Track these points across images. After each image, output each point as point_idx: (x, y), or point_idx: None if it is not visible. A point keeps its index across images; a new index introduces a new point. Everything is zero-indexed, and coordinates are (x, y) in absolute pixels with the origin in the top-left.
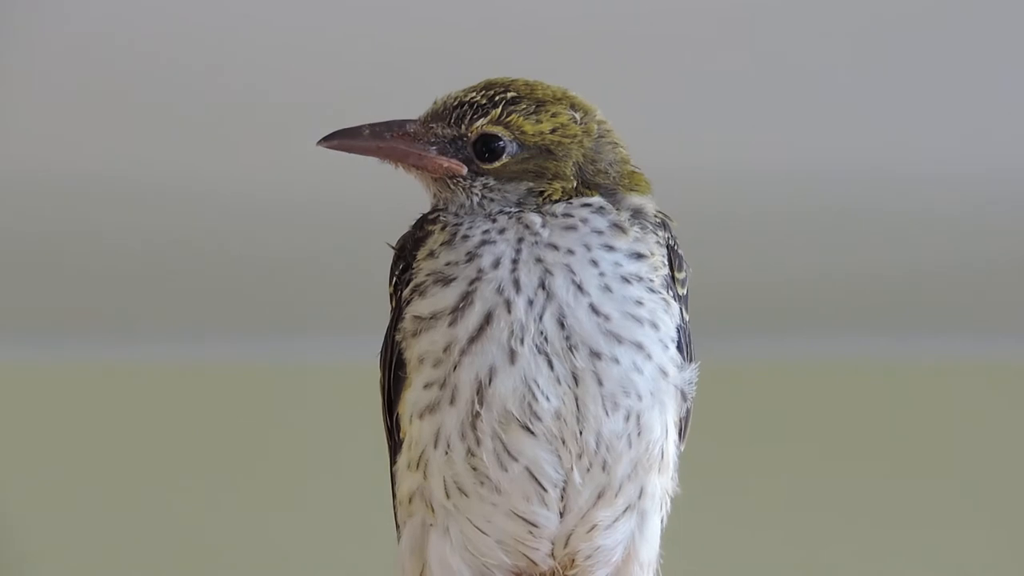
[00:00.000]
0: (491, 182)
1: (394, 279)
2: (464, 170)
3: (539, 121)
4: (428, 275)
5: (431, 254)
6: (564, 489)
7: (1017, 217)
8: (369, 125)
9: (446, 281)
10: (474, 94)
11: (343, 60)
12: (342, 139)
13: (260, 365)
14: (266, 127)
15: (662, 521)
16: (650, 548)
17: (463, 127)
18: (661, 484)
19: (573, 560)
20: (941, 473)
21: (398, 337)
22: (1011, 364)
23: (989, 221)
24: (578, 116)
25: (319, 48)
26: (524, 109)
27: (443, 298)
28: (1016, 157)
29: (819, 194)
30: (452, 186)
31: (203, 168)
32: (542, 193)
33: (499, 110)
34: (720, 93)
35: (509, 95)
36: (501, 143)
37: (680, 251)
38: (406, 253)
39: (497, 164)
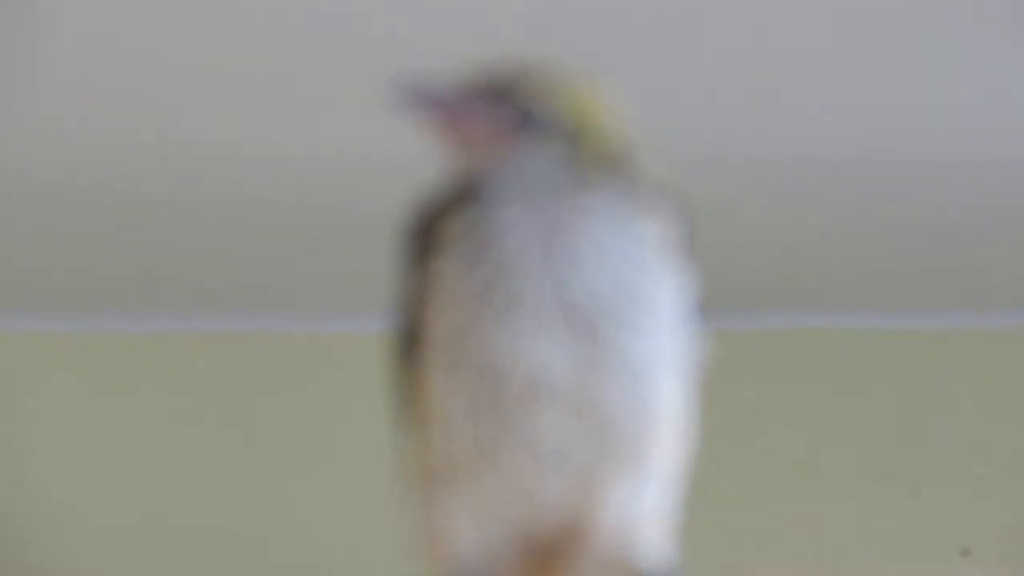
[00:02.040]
0: (528, 153)
1: (412, 248)
2: (508, 139)
3: (573, 97)
4: (447, 246)
5: (451, 224)
6: (572, 458)
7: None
8: (423, 89)
9: (463, 254)
10: (517, 70)
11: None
12: (410, 100)
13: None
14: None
15: (673, 487)
16: (659, 512)
17: (513, 94)
18: (669, 451)
19: (585, 523)
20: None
21: (412, 311)
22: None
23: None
24: (598, 102)
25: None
26: (561, 87)
27: (461, 270)
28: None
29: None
30: (491, 150)
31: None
32: (569, 168)
33: (541, 84)
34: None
35: (547, 74)
36: (538, 113)
37: (689, 221)
38: (424, 223)
39: (536, 137)
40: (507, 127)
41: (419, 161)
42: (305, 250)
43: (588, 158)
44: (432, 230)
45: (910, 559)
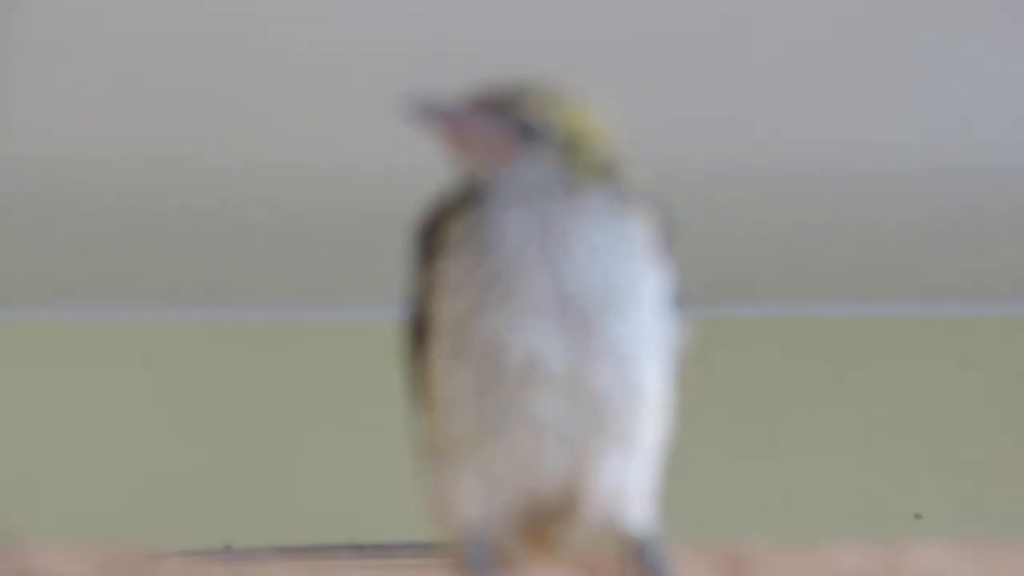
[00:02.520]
0: (528, 162)
1: (420, 248)
2: (510, 148)
3: (574, 115)
4: (453, 243)
5: (457, 224)
6: (566, 433)
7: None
8: (434, 104)
9: (469, 250)
10: (520, 87)
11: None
12: (422, 112)
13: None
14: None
15: (655, 459)
16: (644, 481)
17: (515, 109)
18: (652, 426)
19: (578, 493)
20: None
21: (423, 303)
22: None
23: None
24: (594, 118)
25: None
26: (563, 104)
27: (465, 266)
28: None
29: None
30: (495, 160)
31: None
32: (568, 176)
33: (541, 101)
34: None
35: (548, 90)
36: (539, 126)
37: (669, 222)
38: (430, 225)
39: (536, 145)
40: (508, 138)
41: (423, 168)
42: (330, 250)
43: (580, 166)
44: (439, 230)
45: (869, 521)
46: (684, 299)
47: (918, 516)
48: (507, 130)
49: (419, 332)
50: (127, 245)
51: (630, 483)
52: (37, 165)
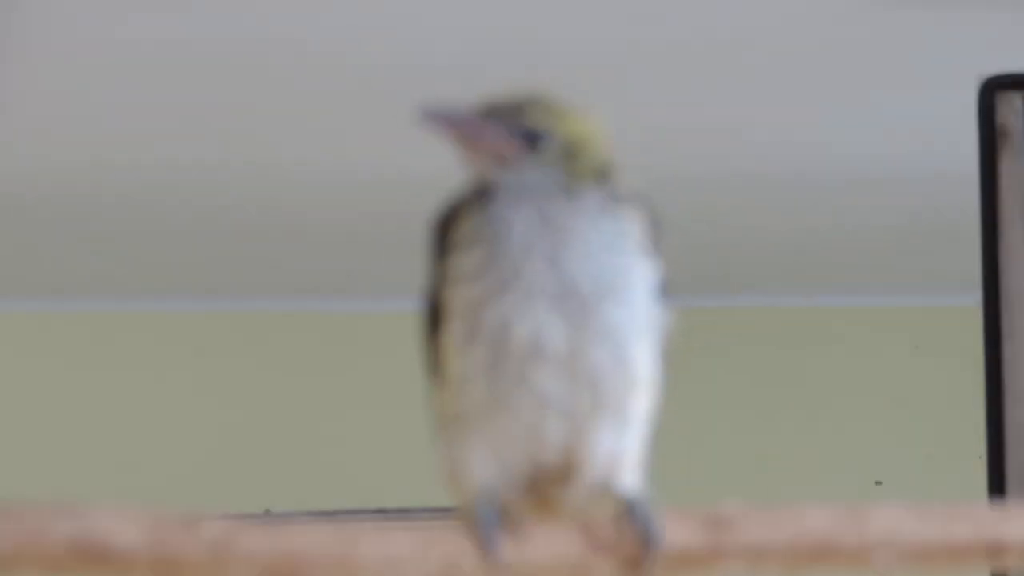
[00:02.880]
0: (531, 166)
1: (434, 242)
2: (514, 153)
3: (574, 124)
4: (464, 240)
5: (466, 223)
6: (567, 407)
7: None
8: (449, 112)
9: (478, 244)
10: (525, 98)
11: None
12: (436, 119)
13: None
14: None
15: (645, 430)
16: (635, 451)
17: (519, 118)
18: (642, 403)
19: (575, 460)
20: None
21: (437, 292)
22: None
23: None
24: (596, 127)
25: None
26: (565, 115)
27: (475, 258)
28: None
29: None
30: (500, 165)
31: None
32: (569, 179)
33: (545, 111)
34: None
35: (551, 101)
36: (544, 136)
37: (657, 220)
38: (445, 221)
39: (539, 151)
40: (514, 144)
41: (435, 171)
42: (362, 249)
43: (577, 170)
44: (451, 227)
45: (833, 487)
46: (669, 288)
47: (878, 483)
48: (512, 136)
49: (435, 317)
50: (183, 245)
51: (623, 451)
52: (72, 168)
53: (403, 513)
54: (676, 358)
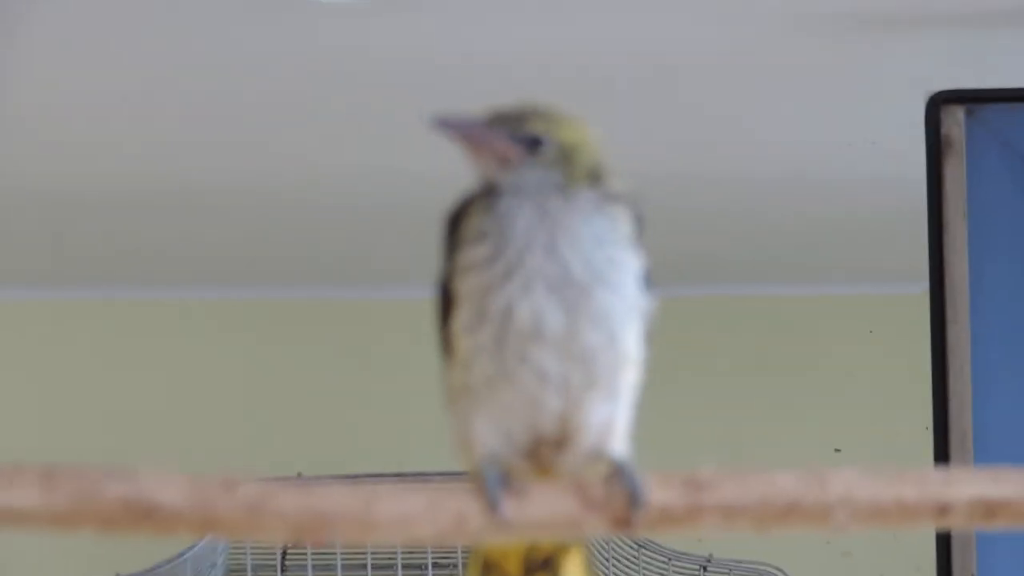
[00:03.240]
0: (531, 168)
1: (446, 235)
2: (517, 156)
3: (570, 131)
4: (472, 234)
5: (474, 219)
6: (563, 382)
7: None
8: (460, 119)
9: (484, 238)
10: (528, 108)
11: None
12: (448, 126)
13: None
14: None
15: (632, 402)
16: (623, 421)
17: (521, 126)
18: (629, 377)
19: (570, 429)
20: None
21: (449, 280)
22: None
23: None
24: (589, 134)
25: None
26: (563, 122)
27: (481, 251)
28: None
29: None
30: (503, 166)
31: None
32: (566, 180)
33: (546, 120)
34: None
35: (551, 111)
36: (544, 140)
37: (641, 217)
38: (455, 217)
39: (539, 155)
40: (516, 148)
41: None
42: (379, 238)
43: (573, 172)
44: (461, 222)
45: (796, 454)
46: (653, 277)
47: (837, 450)
48: (515, 141)
49: (446, 303)
50: (248, 241)
51: (613, 421)
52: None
53: (418, 477)
54: (659, 340)
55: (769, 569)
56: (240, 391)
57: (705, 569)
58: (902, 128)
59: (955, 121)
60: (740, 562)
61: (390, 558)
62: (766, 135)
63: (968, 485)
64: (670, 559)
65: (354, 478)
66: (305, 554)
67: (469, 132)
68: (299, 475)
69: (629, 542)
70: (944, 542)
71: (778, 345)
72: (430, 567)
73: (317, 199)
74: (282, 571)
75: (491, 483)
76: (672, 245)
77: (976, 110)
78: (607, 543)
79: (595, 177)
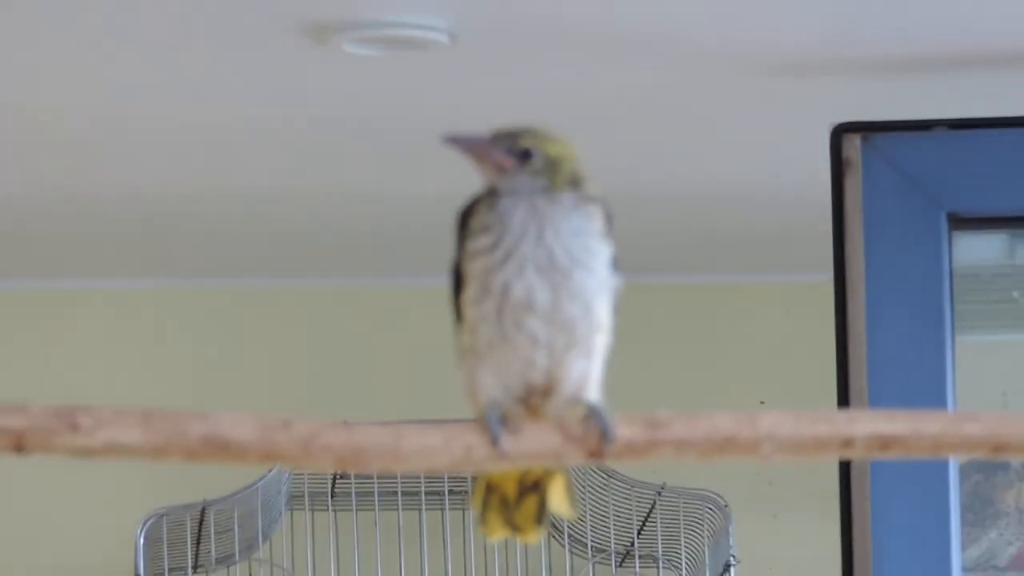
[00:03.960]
0: (524, 175)
1: (458, 228)
2: (512, 166)
3: (555, 147)
4: (478, 227)
5: (480, 215)
6: (549, 344)
7: None
8: (467, 136)
9: (487, 231)
10: (521, 127)
11: None
12: (457, 141)
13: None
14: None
15: (603, 360)
16: (596, 374)
17: (515, 142)
18: (601, 340)
19: (554, 381)
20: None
21: (460, 263)
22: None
23: None
24: (572, 149)
25: None
26: (549, 140)
27: (485, 241)
28: None
29: None
30: (501, 174)
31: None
32: (552, 185)
33: (535, 136)
34: None
35: (540, 130)
36: (534, 153)
37: (611, 214)
38: (465, 213)
39: (529, 165)
40: (512, 160)
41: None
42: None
43: (557, 179)
44: (470, 217)
45: (732, 405)
46: (620, 265)
47: (762, 402)
48: (511, 154)
49: (458, 281)
50: (288, 237)
51: (588, 374)
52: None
53: (436, 421)
54: (625, 315)
55: (710, 494)
56: (299, 361)
57: (660, 494)
58: (815, 152)
59: (853, 146)
60: (687, 488)
61: (415, 485)
62: (707, 162)
63: (867, 423)
64: (632, 487)
65: (387, 423)
66: (350, 483)
67: (474, 147)
68: (345, 422)
69: (600, 472)
70: (846, 470)
71: (715, 323)
72: (446, 493)
73: (350, 216)
74: (332, 497)
75: (493, 423)
76: (633, 242)
77: (869, 137)
78: (582, 473)
79: (574, 183)
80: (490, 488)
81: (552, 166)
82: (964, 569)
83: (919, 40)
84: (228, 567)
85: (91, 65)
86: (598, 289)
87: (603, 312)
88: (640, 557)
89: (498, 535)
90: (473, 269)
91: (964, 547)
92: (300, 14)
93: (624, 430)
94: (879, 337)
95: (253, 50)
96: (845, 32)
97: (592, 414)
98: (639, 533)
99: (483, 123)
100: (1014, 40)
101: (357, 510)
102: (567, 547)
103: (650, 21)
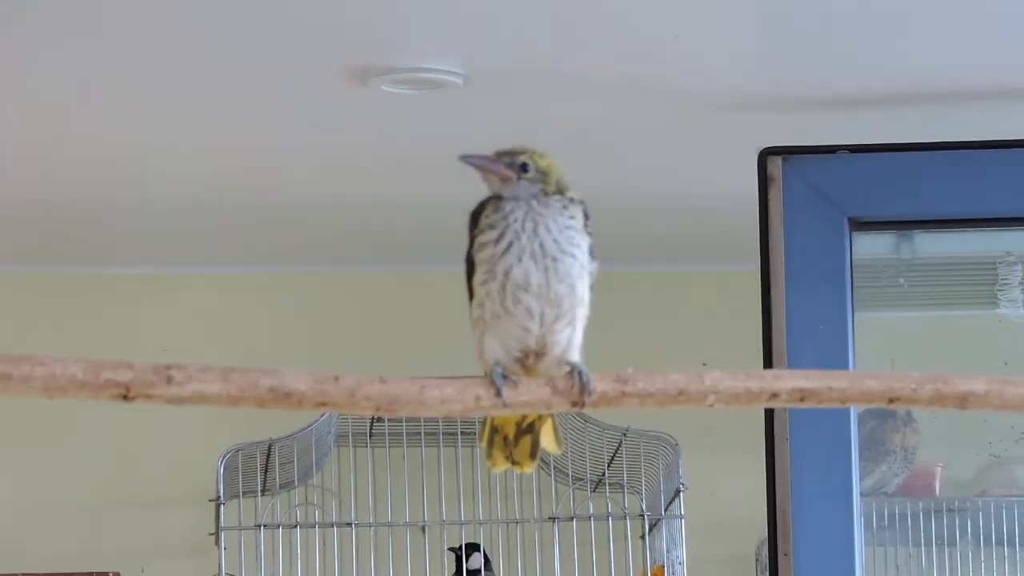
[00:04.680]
0: (522, 184)
1: (470, 225)
2: (513, 177)
3: (544, 160)
4: (486, 224)
5: (487, 215)
6: (541, 316)
7: None
8: (478, 155)
9: (493, 227)
10: (519, 147)
11: None
12: (471, 159)
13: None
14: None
15: (583, 328)
16: (578, 340)
17: (515, 158)
18: (581, 313)
19: (545, 345)
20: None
21: (472, 252)
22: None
23: None
24: (556, 163)
25: None
26: (539, 156)
27: (491, 235)
28: None
29: None
30: (505, 184)
31: None
32: (543, 191)
33: (530, 154)
34: None
35: (533, 149)
36: (530, 166)
37: (589, 214)
38: (476, 213)
39: (526, 176)
40: (512, 172)
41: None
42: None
43: (548, 186)
44: (480, 216)
45: (682, 367)
46: (596, 253)
47: (704, 364)
48: (511, 167)
49: (470, 267)
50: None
51: (571, 340)
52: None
53: (452, 377)
54: (599, 294)
55: (664, 435)
56: (346, 330)
57: (625, 435)
58: (745, 170)
59: (775, 165)
60: (647, 431)
61: (435, 427)
62: (664, 177)
63: (789, 380)
64: (603, 430)
65: (414, 378)
66: (384, 425)
67: (483, 163)
68: (381, 377)
69: (578, 418)
70: (770, 417)
71: (673, 299)
72: (459, 434)
73: (389, 219)
74: (370, 436)
75: (497, 379)
76: (607, 238)
77: (788, 158)
78: (565, 418)
79: (561, 189)
80: (494, 430)
81: (544, 175)
82: (861, 494)
83: (828, 82)
84: (289, 491)
85: (177, 108)
86: (580, 272)
87: (584, 290)
88: (609, 484)
89: (500, 467)
90: (482, 257)
91: (861, 478)
92: (346, 61)
93: (599, 385)
94: (796, 314)
95: (309, 91)
96: (770, 75)
97: (575, 372)
98: (609, 465)
99: (489, 146)
100: (900, 82)
101: (389, 447)
102: (553, 476)
103: (617, 68)
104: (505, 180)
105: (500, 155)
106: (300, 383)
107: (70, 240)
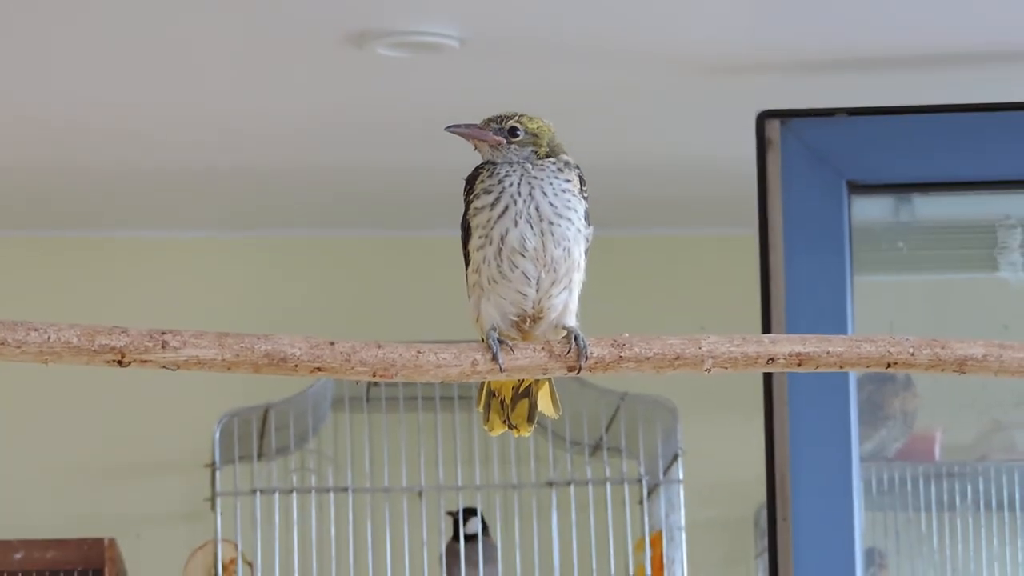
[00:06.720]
0: (513, 148)
1: (465, 190)
2: (503, 142)
3: (534, 123)
4: (481, 189)
5: (482, 180)
6: (538, 280)
7: None
8: (465, 124)
9: (488, 192)
10: (508, 113)
11: None
12: (457, 129)
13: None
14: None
15: (579, 292)
16: (574, 304)
17: (504, 123)
18: (578, 277)
19: (542, 309)
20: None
21: (468, 216)
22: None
23: None
24: (547, 124)
25: None
26: (528, 118)
27: (487, 199)
28: None
29: None
30: (495, 149)
31: None
32: (535, 154)
33: (518, 117)
34: None
35: (522, 113)
36: (519, 130)
37: (584, 177)
38: (471, 179)
39: (516, 139)
40: (503, 136)
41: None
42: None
43: (539, 150)
44: (474, 181)
45: (677, 331)
46: (592, 218)
47: (702, 328)
48: (500, 133)
49: (466, 231)
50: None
51: (568, 304)
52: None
53: (448, 342)
54: (594, 258)
55: (662, 400)
56: (341, 294)
57: (623, 400)
58: (743, 134)
59: (773, 129)
60: (644, 395)
61: (432, 392)
62: (664, 141)
63: (786, 344)
64: (601, 393)
65: (410, 342)
66: (381, 390)
67: (470, 131)
68: (377, 342)
69: (576, 382)
70: (768, 381)
71: (670, 262)
72: (456, 399)
73: (381, 183)
74: (367, 401)
75: (493, 343)
76: (603, 202)
77: (787, 121)
78: (562, 383)
79: (554, 150)
80: (491, 394)
81: (535, 138)
82: (861, 458)
83: (825, 44)
84: (285, 456)
85: (173, 71)
86: (576, 236)
87: (579, 255)
88: (607, 449)
89: (497, 431)
90: (477, 222)
91: (861, 442)
92: (342, 24)
93: (596, 349)
94: (794, 278)
95: (310, 54)
96: (767, 38)
97: (571, 336)
98: (607, 430)
99: (485, 110)
100: (899, 45)
101: (386, 412)
102: (550, 441)
103: (615, 32)
104: (495, 146)
105: (488, 122)
106: (295, 348)
107: (61, 205)
